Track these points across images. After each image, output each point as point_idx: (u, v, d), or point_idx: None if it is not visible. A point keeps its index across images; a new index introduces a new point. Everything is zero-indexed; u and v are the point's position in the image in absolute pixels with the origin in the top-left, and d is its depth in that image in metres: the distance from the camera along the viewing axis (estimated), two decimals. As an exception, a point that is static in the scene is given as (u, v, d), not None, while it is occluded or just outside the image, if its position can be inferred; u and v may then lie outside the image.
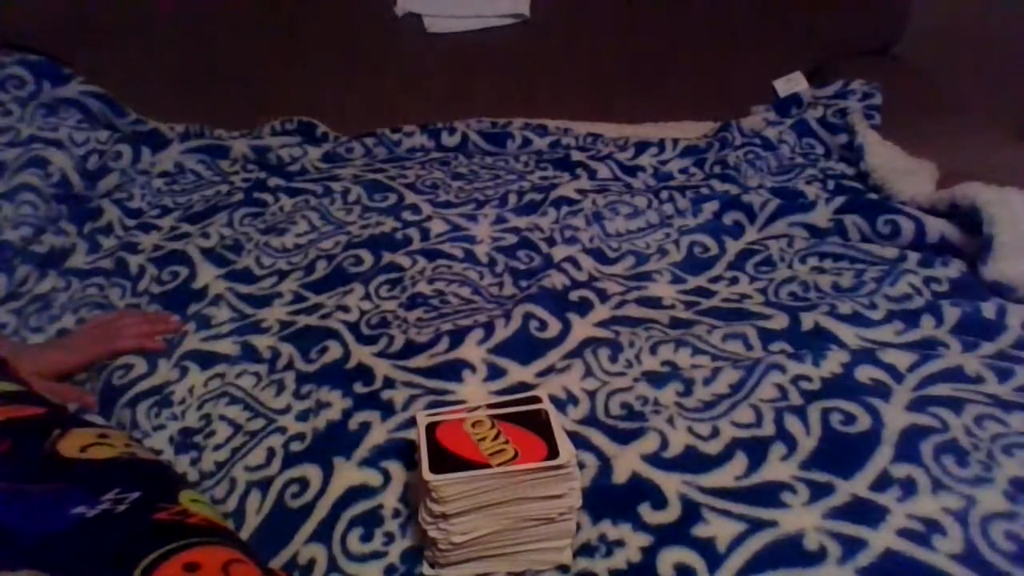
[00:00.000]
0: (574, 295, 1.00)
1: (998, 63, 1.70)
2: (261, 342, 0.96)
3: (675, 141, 1.44)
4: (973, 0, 1.74)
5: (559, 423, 0.67)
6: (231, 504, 0.75)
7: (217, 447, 0.82)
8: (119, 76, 1.51)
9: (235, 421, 0.85)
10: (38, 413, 0.64)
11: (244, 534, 0.72)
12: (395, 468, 0.75)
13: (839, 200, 1.15)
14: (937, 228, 1.06)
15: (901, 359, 0.83)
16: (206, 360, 0.93)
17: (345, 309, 1.00)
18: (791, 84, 1.55)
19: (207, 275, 1.10)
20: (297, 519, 0.72)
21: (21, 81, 1.39)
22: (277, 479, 0.76)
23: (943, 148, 1.23)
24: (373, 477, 0.74)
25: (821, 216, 1.14)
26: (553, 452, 0.63)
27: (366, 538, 0.69)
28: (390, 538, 0.69)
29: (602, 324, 0.95)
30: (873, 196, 1.21)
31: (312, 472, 0.76)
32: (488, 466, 0.62)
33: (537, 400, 0.70)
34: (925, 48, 1.63)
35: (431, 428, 0.67)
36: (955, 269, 1.01)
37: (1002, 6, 1.71)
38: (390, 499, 0.72)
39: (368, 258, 1.11)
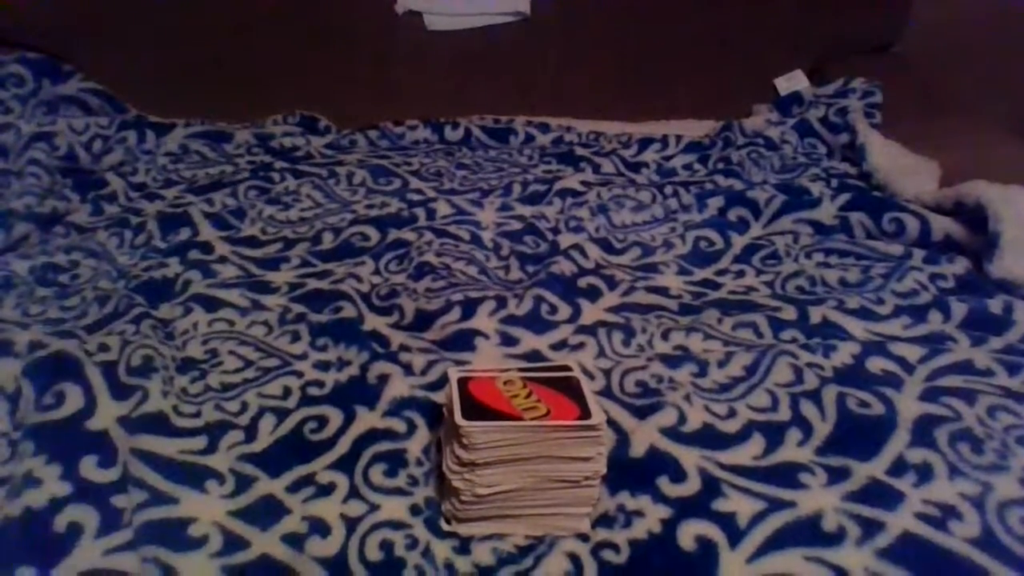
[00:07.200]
0: (582, 282, 0.99)
1: (998, 62, 1.70)
2: (271, 300, 0.93)
3: (678, 138, 1.44)
4: (973, -1, 1.76)
5: (590, 389, 0.66)
6: (243, 420, 0.74)
7: (225, 373, 0.79)
8: (119, 73, 1.49)
9: (246, 357, 0.82)
10: None
11: (255, 448, 0.71)
12: (419, 420, 0.73)
13: (844, 197, 1.15)
14: (942, 226, 1.06)
15: (911, 351, 0.83)
16: (211, 304, 0.91)
17: (357, 278, 0.99)
18: (792, 82, 1.55)
19: (210, 235, 1.07)
20: (316, 449, 0.71)
21: (21, 79, 1.38)
22: (295, 413, 0.75)
23: (943, 146, 1.24)
24: (397, 424, 0.73)
25: (826, 213, 1.14)
26: (585, 414, 0.63)
27: (391, 474, 0.68)
28: (414, 480, 0.68)
29: (612, 310, 0.94)
30: (877, 194, 1.21)
31: (332, 413, 0.75)
32: (521, 419, 0.61)
33: (568, 368, 0.69)
34: (925, 46, 1.63)
35: (463, 382, 0.66)
36: (960, 266, 1.01)
37: (1002, 5, 1.73)
38: (415, 448, 0.71)
39: (374, 235, 1.10)
